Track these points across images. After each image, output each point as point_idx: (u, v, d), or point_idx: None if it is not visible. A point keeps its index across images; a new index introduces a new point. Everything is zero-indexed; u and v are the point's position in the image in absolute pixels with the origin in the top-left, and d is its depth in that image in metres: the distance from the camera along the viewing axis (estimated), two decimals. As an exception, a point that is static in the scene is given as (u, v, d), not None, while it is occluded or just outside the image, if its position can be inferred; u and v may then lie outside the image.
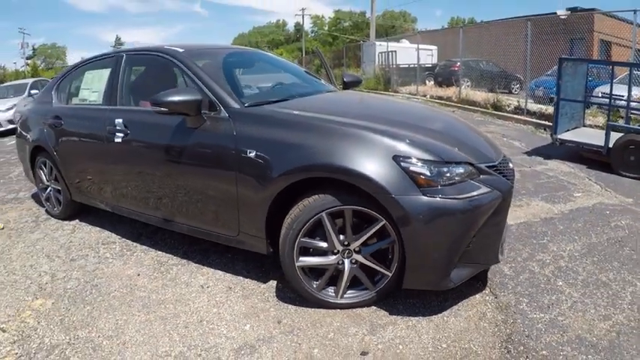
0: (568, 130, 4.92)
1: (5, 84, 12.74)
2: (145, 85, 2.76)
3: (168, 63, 2.49)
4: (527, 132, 6.78)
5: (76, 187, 3.11)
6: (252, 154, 1.89)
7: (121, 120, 2.54)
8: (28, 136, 3.46)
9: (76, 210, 3.37)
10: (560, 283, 2.14)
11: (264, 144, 1.89)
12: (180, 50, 2.48)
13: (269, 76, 3.02)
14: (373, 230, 1.78)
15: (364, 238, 1.81)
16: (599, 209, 3.15)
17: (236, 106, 2.09)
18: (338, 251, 1.85)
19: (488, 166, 1.88)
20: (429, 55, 13.50)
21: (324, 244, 1.84)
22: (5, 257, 2.77)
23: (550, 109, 6.67)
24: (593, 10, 10.27)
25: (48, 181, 3.41)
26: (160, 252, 2.69)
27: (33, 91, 10.45)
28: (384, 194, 1.65)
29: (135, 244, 2.84)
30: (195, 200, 2.24)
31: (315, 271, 1.94)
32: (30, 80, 11.87)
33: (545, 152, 5.07)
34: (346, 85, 3.28)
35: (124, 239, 2.93)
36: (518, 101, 8.04)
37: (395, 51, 13.51)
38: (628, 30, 7.62)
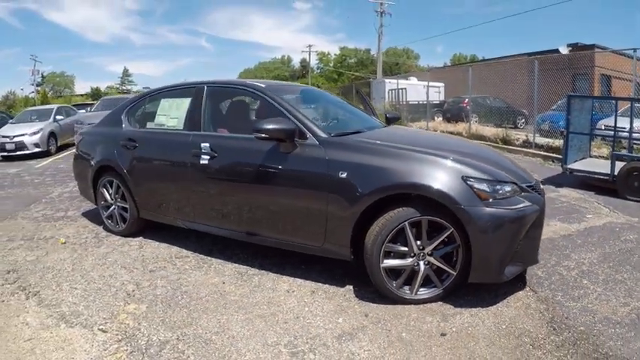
0: (576, 161, 5.74)
1: (29, 109, 13.87)
2: (230, 114, 3.45)
3: (254, 96, 3.23)
4: (536, 164, 7.63)
5: (146, 205, 3.65)
6: (344, 175, 2.53)
7: (207, 144, 3.14)
8: (92, 157, 4.01)
9: (140, 227, 3.88)
10: (585, 281, 2.79)
11: (355, 167, 2.53)
12: (263, 86, 3.20)
13: (328, 110, 3.76)
14: (444, 236, 2.44)
15: (437, 242, 2.46)
16: (610, 227, 3.86)
17: (324, 135, 2.77)
18: (414, 254, 2.49)
19: (528, 186, 2.59)
20: (436, 92, 14.72)
21: (404, 249, 2.48)
22: (80, 268, 3.24)
23: (557, 143, 7.58)
24: (593, 45, 11.62)
25: (112, 199, 3.90)
26: (235, 264, 3.24)
27: (58, 117, 11.53)
28: (458, 206, 2.31)
29: (209, 258, 3.39)
30: (283, 215, 2.85)
31: (393, 272, 2.57)
32: (55, 106, 13.01)
33: (556, 181, 5.85)
34: (388, 121, 4.04)
35: (196, 254, 3.47)
36: (526, 135, 9.02)
37: (405, 88, 14.76)
38: (627, 64, 8.73)
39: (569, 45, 11.82)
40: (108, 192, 3.95)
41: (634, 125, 5.55)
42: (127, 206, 3.81)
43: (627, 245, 3.38)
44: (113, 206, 3.93)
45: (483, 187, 2.39)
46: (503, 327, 2.33)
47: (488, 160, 2.74)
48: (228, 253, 3.46)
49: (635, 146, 5.77)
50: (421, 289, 2.55)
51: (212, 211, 3.24)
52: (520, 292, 2.69)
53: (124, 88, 51.95)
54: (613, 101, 6.20)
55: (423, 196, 2.40)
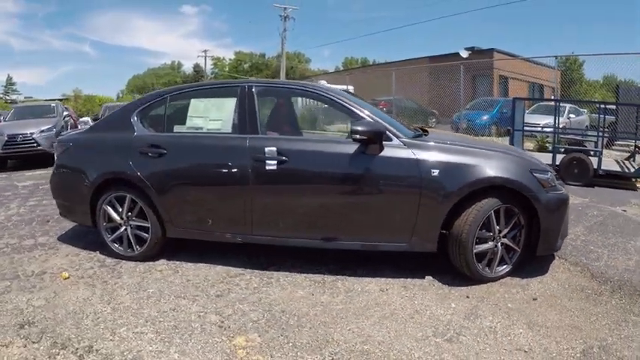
0: (515, 155, 7.48)
1: None
2: (287, 116, 3.78)
3: (320, 98, 3.66)
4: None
5: (178, 222, 3.67)
6: (436, 174, 3.18)
7: (274, 148, 3.39)
8: (89, 169, 3.85)
9: (161, 249, 3.85)
10: (592, 247, 4.03)
11: (445, 166, 3.19)
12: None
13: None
14: (514, 220, 3.34)
15: (510, 226, 3.35)
16: (574, 207, 5.35)
17: (405, 137, 3.36)
18: (494, 238, 3.34)
19: (556, 175, 3.70)
20: (347, 94, 16.28)
21: (490, 234, 3.29)
22: (122, 307, 3.07)
23: (483, 139, 9.47)
24: (492, 49, 14.70)
25: (123, 218, 3.80)
26: (304, 274, 3.54)
27: None
28: (533, 194, 3.21)
29: (267, 272, 3.60)
30: (369, 216, 3.31)
31: (476, 256, 3.35)
32: None
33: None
34: None
35: (249, 269, 3.64)
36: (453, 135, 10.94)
37: None
38: (523, 66, 11.40)
39: (466, 48, 14.59)
40: (116, 210, 3.84)
41: (542, 122, 7.55)
42: (146, 225, 3.76)
43: (597, 219, 4.84)
44: (124, 227, 3.84)
45: (542, 177, 3.35)
46: (567, 286, 3.34)
47: (525, 155, 3.79)
48: (283, 264, 3.73)
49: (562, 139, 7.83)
50: (497, 268, 3.41)
51: (279, 220, 3.47)
52: (555, 261, 3.77)
53: (8, 98, 51.86)
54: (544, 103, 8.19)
55: (501, 186, 3.26)
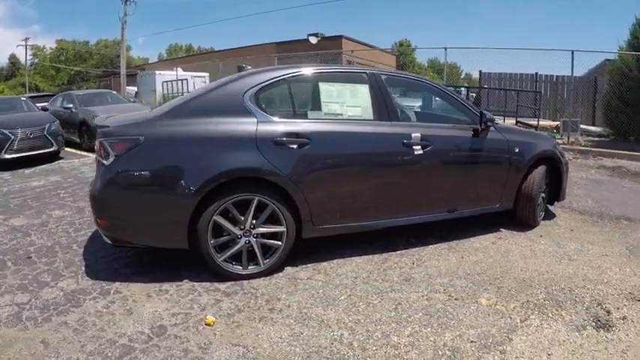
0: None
1: None
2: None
3: (433, 90, 5.25)
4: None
5: (319, 219, 3.96)
6: (518, 150, 5.05)
7: (418, 134, 4.37)
8: (190, 171, 3.54)
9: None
10: (569, 199, 6.77)
11: (521, 144, 5.09)
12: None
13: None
14: (547, 180, 5.60)
15: (547, 182, 5.59)
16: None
17: (494, 123, 5.15)
18: (541, 193, 5.53)
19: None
20: (202, 82, 16.59)
21: (540, 190, 5.47)
22: (377, 319, 3.39)
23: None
24: (341, 36, 17.36)
25: (246, 227, 3.72)
26: (430, 246, 4.71)
27: None
28: (560, 160, 5.50)
29: (403, 251, 4.60)
30: (480, 187, 4.93)
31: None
32: None
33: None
34: None
35: (387, 254, 4.49)
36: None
37: (186, 79, 15.96)
38: (365, 51, 14.28)
39: (311, 34, 16.74)
40: (232, 220, 3.72)
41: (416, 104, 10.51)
42: (279, 230, 3.83)
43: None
44: (244, 239, 3.76)
45: (559, 149, 5.79)
46: (577, 220, 5.79)
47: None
48: (406, 243, 4.85)
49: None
50: (540, 214, 5.64)
51: (419, 200, 4.62)
52: (552, 208, 6.25)
53: None
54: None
55: (547, 156, 5.41)
